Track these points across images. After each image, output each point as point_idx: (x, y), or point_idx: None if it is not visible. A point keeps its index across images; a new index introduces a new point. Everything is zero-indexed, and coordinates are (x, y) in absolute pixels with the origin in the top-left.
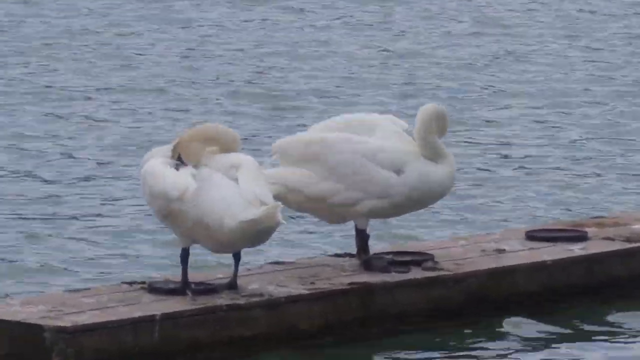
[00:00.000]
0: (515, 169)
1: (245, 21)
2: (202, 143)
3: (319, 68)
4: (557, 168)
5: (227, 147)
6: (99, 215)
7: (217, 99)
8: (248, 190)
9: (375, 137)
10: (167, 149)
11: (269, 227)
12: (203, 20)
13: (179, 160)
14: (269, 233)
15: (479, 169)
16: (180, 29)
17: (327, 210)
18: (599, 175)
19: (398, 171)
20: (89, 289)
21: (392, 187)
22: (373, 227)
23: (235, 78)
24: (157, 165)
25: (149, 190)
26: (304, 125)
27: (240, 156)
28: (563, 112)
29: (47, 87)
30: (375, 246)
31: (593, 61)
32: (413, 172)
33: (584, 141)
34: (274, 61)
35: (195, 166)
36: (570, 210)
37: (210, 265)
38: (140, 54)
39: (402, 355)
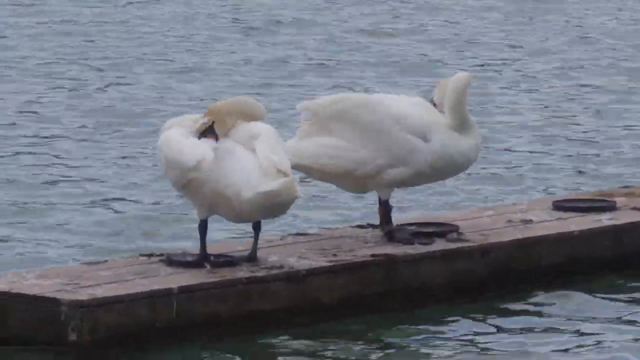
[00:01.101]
0: (541, 136)
1: None
2: (232, 115)
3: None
4: (585, 138)
5: (252, 119)
6: (119, 187)
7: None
8: (265, 158)
9: (401, 103)
10: (187, 118)
11: (286, 200)
12: None
13: (211, 130)
14: (286, 205)
15: (505, 138)
16: None
17: (351, 180)
18: (629, 144)
19: (424, 138)
20: (106, 261)
21: (417, 154)
22: (397, 198)
23: None
24: (175, 135)
25: (165, 160)
26: None
27: (260, 125)
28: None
29: None
30: (400, 217)
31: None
32: (438, 141)
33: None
34: None
35: (224, 136)
36: (599, 180)
37: (230, 236)
38: None
39: (424, 328)
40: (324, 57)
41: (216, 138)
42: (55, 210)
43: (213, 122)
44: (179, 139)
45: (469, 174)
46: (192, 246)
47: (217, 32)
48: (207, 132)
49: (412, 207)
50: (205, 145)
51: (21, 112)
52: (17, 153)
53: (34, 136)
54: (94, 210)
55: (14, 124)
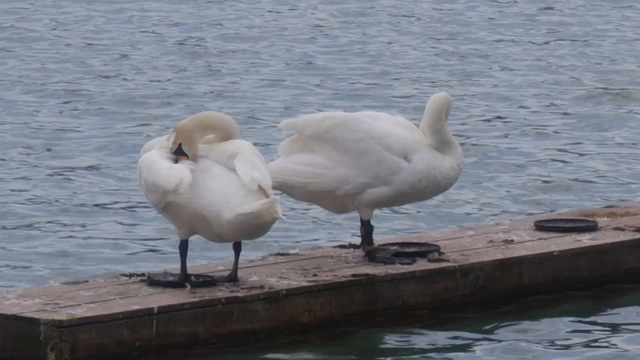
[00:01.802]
0: (525, 156)
1: None
2: (200, 132)
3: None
4: (564, 159)
5: (225, 135)
6: (101, 204)
7: None
8: (245, 175)
9: (383, 123)
10: (165, 139)
11: (267, 221)
12: None
13: (180, 150)
14: (267, 227)
15: (486, 157)
16: None
17: (332, 200)
18: (614, 163)
19: (405, 158)
20: (87, 281)
21: (399, 174)
22: (380, 218)
23: None
24: (153, 157)
25: (145, 183)
26: None
27: (238, 142)
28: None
29: None
30: (383, 237)
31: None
32: (420, 161)
33: (598, 130)
34: None
35: (194, 157)
36: (582, 200)
37: (211, 257)
38: None
39: (406, 348)
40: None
41: (187, 158)
42: (39, 230)
43: (180, 144)
44: (157, 161)
45: (452, 193)
46: (175, 267)
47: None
48: (177, 153)
49: (394, 226)
50: (183, 168)
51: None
52: None
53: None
54: (76, 230)
55: None
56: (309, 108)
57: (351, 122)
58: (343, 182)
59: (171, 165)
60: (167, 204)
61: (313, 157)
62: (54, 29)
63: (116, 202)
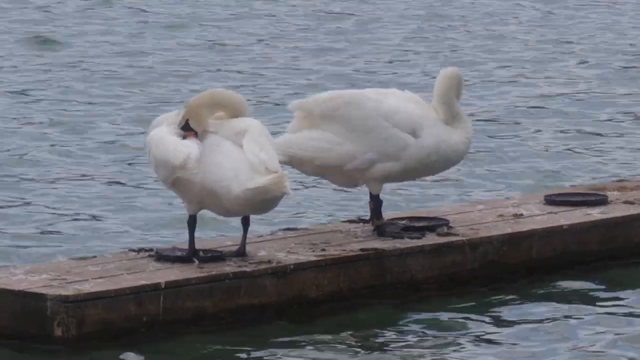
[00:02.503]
0: (538, 130)
1: None
2: (209, 109)
3: None
4: (583, 131)
5: (235, 112)
6: (114, 181)
7: None
8: (253, 156)
9: (391, 99)
10: (174, 115)
11: (275, 196)
12: None
13: (188, 126)
14: (275, 201)
15: (500, 130)
16: None
17: (341, 175)
18: (625, 136)
19: (414, 134)
20: (95, 256)
21: (407, 150)
22: (390, 192)
23: None
24: (161, 133)
25: (153, 159)
26: None
27: (247, 121)
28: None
29: None
30: (392, 211)
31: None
32: (429, 136)
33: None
34: None
35: (204, 132)
36: (594, 173)
37: (220, 231)
38: None
39: (414, 323)
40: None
41: (195, 134)
42: (46, 206)
43: (187, 120)
44: (165, 137)
45: (465, 168)
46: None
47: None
48: (185, 129)
49: (405, 200)
50: (191, 143)
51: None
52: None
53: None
54: (89, 204)
55: None
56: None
57: (359, 100)
58: (350, 158)
59: (179, 141)
60: (176, 179)
61: (321, 133)
62: None
63: (130, 176)
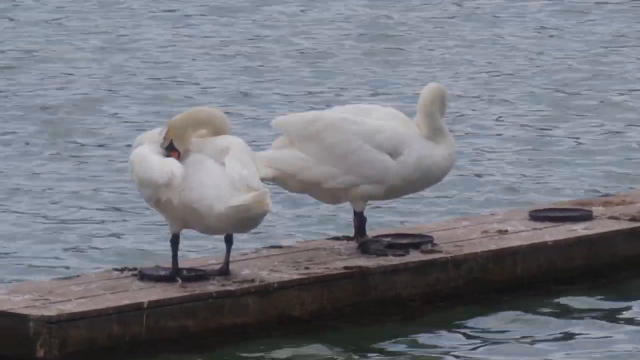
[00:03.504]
0: (525, 147)
1: None
2: (192, 128)
3: None
4: (569, 145)
5: (217, 130)
6: (98, 198)
7: None
8: (235, 174)
9: (373, 118)
10: (156, 133)
11: (258, 214)
12: None
13: (171, 146)
14: (257, 219)
15: (488, 148)
16: None
17: (324, 192)
18: (611, 152)
19: (396, 153)
20: (78, 276)
21: (389, 171)
22: (375, 209)
23: None
24: (144, 152)
25: (137, 177)
26: None
27: (229, 138)
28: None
29: None
30: (378, 228)
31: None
32: (411, 154)
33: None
34: None
35: (186, 151)
36: (580, 189)
37: (204, 250)
38: None
39: (398, 340)
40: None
41: (178, 154)
42: (36, 224)
43: (171, 140)
44: (149, 155)
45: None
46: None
47: None
48: (168, 149)
49: (389, 218)
50: (175, 162)
51: None
52: None
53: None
54: (65, 227)
55: None
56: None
57: (338, 123)
58: (330, 177)
59: (162, 160)
60: (159, 198)
61: (301, 151)
62: None
63: (112, 194)
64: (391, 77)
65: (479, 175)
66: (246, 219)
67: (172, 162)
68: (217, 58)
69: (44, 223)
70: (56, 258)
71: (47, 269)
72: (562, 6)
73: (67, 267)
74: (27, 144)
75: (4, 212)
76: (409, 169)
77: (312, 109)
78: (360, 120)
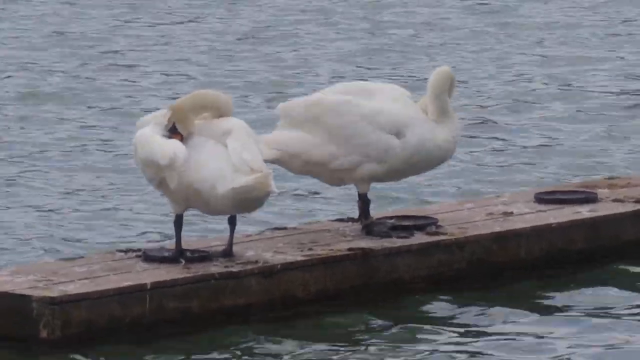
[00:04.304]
0: (535, 127)
1: None
2: (195, 111)
3: None
4: (577, 129)
5: (220, 113)
6: (108, 181)
7: None
8: (237, 156)
9: (376, 100)
10: (160, 115)
11: (260, 195)
12: None
13: (174, 129)
14: (261, 200)
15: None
16: None
17: (327, 173)
18: (619, 135)
19: (398, 134)
20: (82, 257)
21: (392, 151)
22: (380, 190)
23: None
24: (147, 134)
25: (140, 159)
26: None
27: (232, 121)
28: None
29: None
30: (384, 210)
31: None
32: (414, 135)
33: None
34: None
35: (190, 134)
36: (587, 170)
37: (209, 231)
38: None
39: (402, 322)
40: None
41: (181, 137)
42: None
43: (174, 123)
44: (152, 137)
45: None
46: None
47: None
48: (171, 132)
49: (395, 199)
50: (177, 143)
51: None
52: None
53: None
54: (68, 204)
55: None
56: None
57: (339, 106)
58: (334, 157)
59: (166, 141)
60: (162, 179)
61: (305, 134)
62: None
63: (121, 177)
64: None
65: (489, 157)
66: (249, 200)
67: (174, 144)
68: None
69: (47, 207)
70: (62, 239)
71: (52, 252)
72: None
73: (72, 249)
74: (23, 128)
75: (10, 196)
76: (411, 151)
77: None
78: (362, 102)
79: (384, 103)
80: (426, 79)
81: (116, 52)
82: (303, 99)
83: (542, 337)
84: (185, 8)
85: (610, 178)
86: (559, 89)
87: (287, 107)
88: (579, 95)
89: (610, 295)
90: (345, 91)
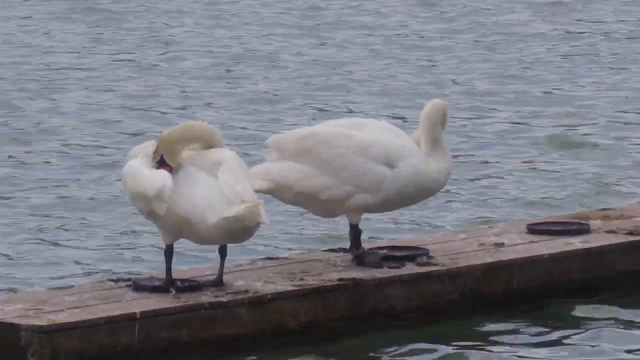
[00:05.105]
0: (525, 158)
1: None
2: (183, 143)
3: None
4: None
5: (208, 144)
6: (98, 209)
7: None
8: (227, 187)
9: (367, 132)
10: (149, 146)
11: (251, 225)
12: None
13: (163, 161)
14: (251, 231)
15: (485, 161)
16: None
17: (319, 205)
18: (615, 166)
19: (391, 165)
20: (72, 286)
21: (383, 182)
22: (373, 221)
23: None
24: (135, 165)
25: (128, 190)
26: None
27: (222, 152)
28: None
29: None
30: (377, 241)
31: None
32: (407, 166)
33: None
34: None
35: (179, 165)
36: (580, 202)
37: (200, 260)
38: None
39: (393, 353)
40: None
41: (170, 168)
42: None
43: (162, 155)
44: (139, 168)
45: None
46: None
47: None
48: (159, 164)
49: (387, 230)
50: (165, 174)
51: None
52: None
53: None
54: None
55: None
56: None
57: (331, 138)
58: (326, 188)
59: (152, 172)
60: (152, 210)
61: (298, 165)
62: None
63: (112, 206)
64: None
65: (484, 188)
66: (239, 230)
67: (161, 174)
68: None
69: (39, 234)
70: (53, 266)
71: (42, 280)
72: None
73: (61, 278)
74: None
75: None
76: (403, 182)
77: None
78: (353, 134)
79: (376, 134)
80: None
81: None
82: (295, 131)
83: None
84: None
85: (603, 209)
86: None
87: (278, 139)
88: None
89: (602, 325)
90: (337, 125)
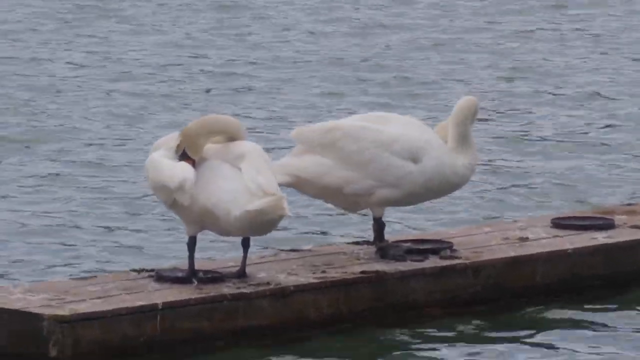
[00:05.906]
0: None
1: None
2: (205, 136)
3: None
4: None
5: (232, 137)
6: (125, 200)
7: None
8: (251, 180)
9: (392, 126)
10: (173, 138)
11: (274, 218)
12: None
13: (185, 155)
14: (274, 223)
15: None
16: None
17: (342, 198)
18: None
19: (415, 160)
20: (95, 276)
21: (408, 177)
22: (399, 214)
23: None
24: (158, 157)
25: (152, 182)
26: None
27: (246, 145)
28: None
29: None
30: (400, 233)
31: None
32: (430, 161)
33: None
34: None
35: (202, 158)
36: (606, 198)
37: (222, 251)
38: None
39: (414, 346)
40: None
41: (193, 162)
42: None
43: (184, 149)
44: (162, 160)
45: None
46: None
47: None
48: (182, 157)
49: (412, 223)
50: (186, 166)
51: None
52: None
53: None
54: (94, 227)
55: None
56: None
57: (356, 132)
58: (349, 182)
59: (174, 164)
60: (175, 202)
61: (321, 158)
62: None
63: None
64: None
65: (507, 182)
66: (262, 223)
67: (183, 167)
68: None
69: (63, 224)
70: (75, 258)
71: (66, 270)
72: None
73: (85, 269)
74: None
75: (25, 212)
76: (427, 177)
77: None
78: (378, 128)
79: (400, 129)
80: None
81: None
82: (319, 124)
83: None
84: None
85: (628, 204)
86: None
87: (302, 132)
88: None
89: (626, 320)
90: (362, 119)
